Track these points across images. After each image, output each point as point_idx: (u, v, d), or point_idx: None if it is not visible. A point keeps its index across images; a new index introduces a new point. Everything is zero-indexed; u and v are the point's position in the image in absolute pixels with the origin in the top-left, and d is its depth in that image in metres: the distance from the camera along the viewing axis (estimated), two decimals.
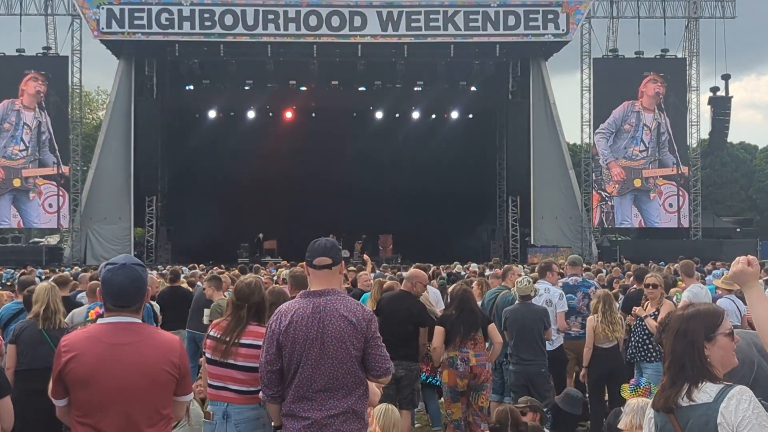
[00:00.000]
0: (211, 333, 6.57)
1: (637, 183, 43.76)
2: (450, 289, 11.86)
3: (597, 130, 43.99)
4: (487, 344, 10.42)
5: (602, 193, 43.91)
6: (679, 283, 13.99)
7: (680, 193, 43.89)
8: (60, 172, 42.68)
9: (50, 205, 42.69)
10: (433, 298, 13.38)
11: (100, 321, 4.84)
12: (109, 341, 4.57)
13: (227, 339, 6.37)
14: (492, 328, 10.43)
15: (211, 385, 6.45)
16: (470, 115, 48.89)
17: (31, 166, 42.69)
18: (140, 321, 4.75)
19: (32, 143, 42.61)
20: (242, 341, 6.26)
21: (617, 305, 11.97)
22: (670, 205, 43.95)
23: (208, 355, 6.51)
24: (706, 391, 3.85)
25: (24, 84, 42.44)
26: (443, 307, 13.42)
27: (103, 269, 4.82)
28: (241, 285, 6.71)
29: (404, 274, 14.90)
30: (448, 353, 10.23)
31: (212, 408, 6.42)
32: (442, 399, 10.85)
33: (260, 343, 5.61)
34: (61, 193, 42.67)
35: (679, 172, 43.82)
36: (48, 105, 42.68)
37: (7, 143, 42.48)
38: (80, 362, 4.51)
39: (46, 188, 42.76)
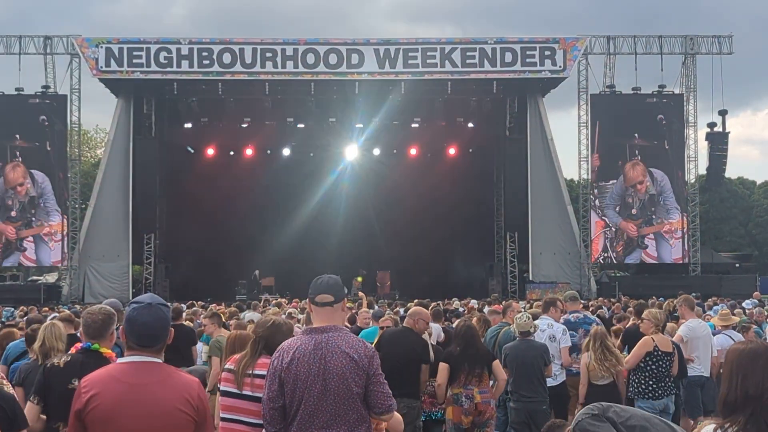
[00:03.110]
0: (228, 366, 6.63)
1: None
2: (455, 325, 11.86)
3: (605, 203, 44.11)
4: (491, 382, 10.42)
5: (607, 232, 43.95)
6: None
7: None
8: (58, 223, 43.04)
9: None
10: (435, 334, 13.37)
11: (120, 360, 4.81)
12: (128, 381, 4.54)
13: (240, 370, 6.43)
14: (496, 364, 10.47)
15: (223, 419, 6.47)
16: (468, 151, 49.02)
17: (25, 229, 42.94)
18: (161, 361, 4.72)
19: (23, 209, 42.86)
20: (256, 372, 6.32)
21: (612, 341, 11.91)
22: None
23: (223, 388, 6.56)
24: None
25: (7, 168, 42.77)
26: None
27: (128, 307, 4.79)
28: (260, 320, 6.83)
29: (401, 311, 14.90)
30: (452, 390, 10.24)
31: None
32: None
33: None
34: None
35: (682, 220, 44.04)
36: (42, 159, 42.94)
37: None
38: (100, 401, 4.48)
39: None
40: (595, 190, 43.94)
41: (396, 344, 10.38)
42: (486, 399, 10.24)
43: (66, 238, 42.86)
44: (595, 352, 11.22)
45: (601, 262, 44.43)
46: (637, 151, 43.80)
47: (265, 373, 5.85)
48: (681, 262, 44.19)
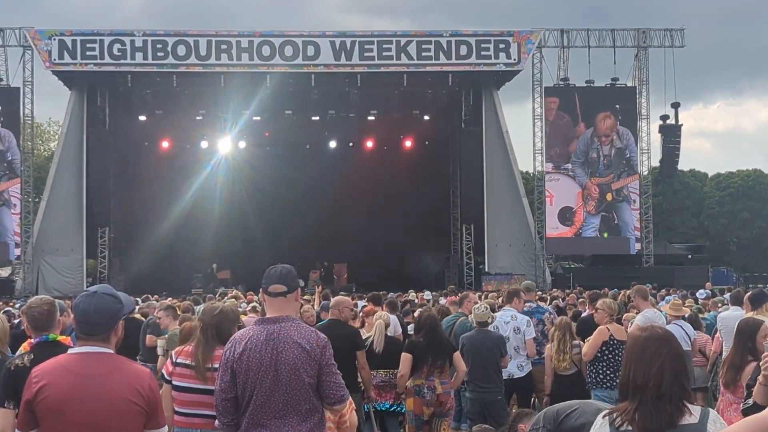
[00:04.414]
0: (179, 360, 6.56)
1: (609, 197, 44.16)
2: (417, 314, 11.86)
3: (571, 160, 44.40)
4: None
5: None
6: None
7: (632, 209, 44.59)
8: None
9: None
10: (393, 325, 13.36)
11: (70, 351, 4.78)
12: (78, 371, 4.53)
13: (201, 364, 6.37)
14: (457, 356, 10.48)
15: (179, 413, 6.40)
16: (424, 144, 49.05)
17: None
18: (112, 351, 4.69)
19: None
20: (215, 366, 6.25)
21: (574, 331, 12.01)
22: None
23: (176, 383, 6.52)
24: (693, 412, 3.81)
25: None
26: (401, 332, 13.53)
27: (78, 297, 4.80)
28: (206, 308, 6.78)
29: (359, 302, 14.86)
30: (413, 381, 10.23)
31: None
32: (405, 427, 10.86)
33: None
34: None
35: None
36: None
37: None
38: (50, 392, 4.46)
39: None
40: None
41: (328, 336, 10.36)
42: (447, 390, 10.30)
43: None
44: (559, 343, 11.29)
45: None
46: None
47: None
48: (639, 231, 44.67)
